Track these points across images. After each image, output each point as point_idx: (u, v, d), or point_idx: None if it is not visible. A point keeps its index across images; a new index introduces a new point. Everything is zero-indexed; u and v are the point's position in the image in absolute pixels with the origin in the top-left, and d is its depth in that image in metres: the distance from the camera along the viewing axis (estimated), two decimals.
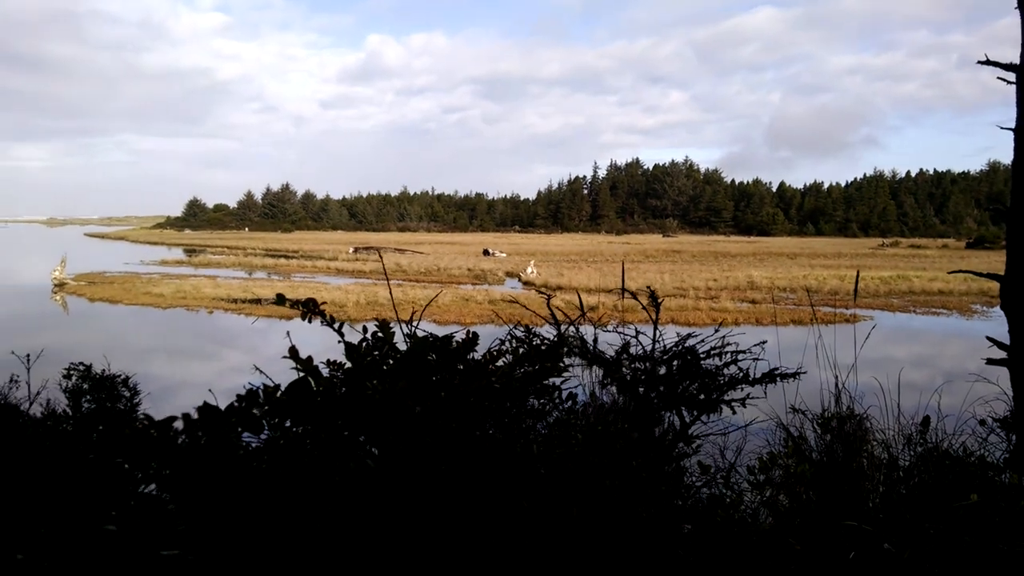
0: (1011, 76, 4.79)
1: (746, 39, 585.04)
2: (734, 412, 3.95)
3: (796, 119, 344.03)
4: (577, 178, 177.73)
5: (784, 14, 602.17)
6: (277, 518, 2.08)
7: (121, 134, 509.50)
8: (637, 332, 4.20)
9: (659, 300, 4.31)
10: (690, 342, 4.10)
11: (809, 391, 4.02)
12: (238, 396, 2.28)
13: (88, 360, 5.93)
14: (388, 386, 2.32)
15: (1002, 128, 4.83)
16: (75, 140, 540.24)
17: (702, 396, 3.92)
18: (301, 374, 2.45)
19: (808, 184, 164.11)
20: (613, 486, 2.44)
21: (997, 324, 5.39)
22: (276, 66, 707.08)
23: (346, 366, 2.53)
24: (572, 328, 4.00)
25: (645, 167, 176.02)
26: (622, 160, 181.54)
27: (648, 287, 4.66)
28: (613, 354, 4.09)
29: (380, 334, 2.62)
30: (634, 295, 4.59)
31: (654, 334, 4.15)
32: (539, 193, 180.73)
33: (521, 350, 2.96)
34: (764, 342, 4.30)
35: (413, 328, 2.76)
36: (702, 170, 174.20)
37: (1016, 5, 4.73)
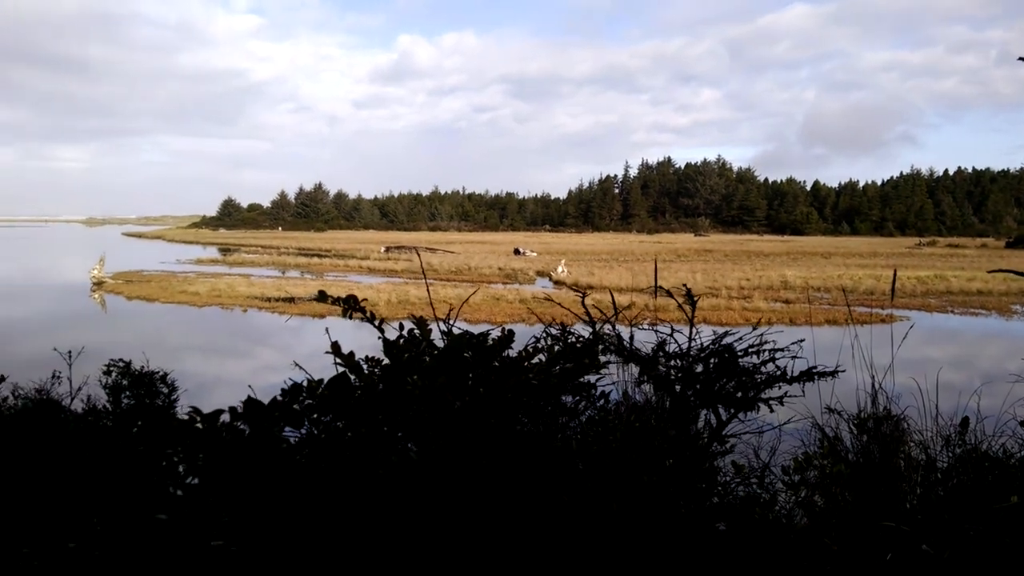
0: None
1: (779, 36, 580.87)
2: (772, 410, 3.93)
3: (831, 117, 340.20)
4: (608, 177, 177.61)
5: (817, 10, 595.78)
6: (319, 509, 2.13)
7: (158, 135, 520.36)
8: (673, 330, 4.20)
9: (695, 298, 4.30)
10: (727, 340, 4.09)
11: (844, 392, 3.98)
12: (282, 391, 2.33)
13: (127, 357, 6.07)
14: (427, 382, 2.36)
15: None
16: (113, 141, 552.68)
17: (739, 394, 3.92)
18: (340, 370, 2.50)
19: (843, 182, 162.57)
20: (651, 482, 2.46)
21: None
22: (309, 67, 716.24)
23: (384, 362, 2.58)
24: (607, 326, 4.01)
25: (677, 166, 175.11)
26: (654, 159, 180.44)
27: (684, 285, 4.66)
28: (649, 352, 4.10)
29: (417, 331, 2.66)
30: (669, 293, 4.59)
31: (690, 332, 4.15)
32: (570, 192, 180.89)
33: (556, 347, 2.98)
34: (802, 340, 4.27)
35: (450, 326, 2.80)
36: (735, 169, 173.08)
37: None
